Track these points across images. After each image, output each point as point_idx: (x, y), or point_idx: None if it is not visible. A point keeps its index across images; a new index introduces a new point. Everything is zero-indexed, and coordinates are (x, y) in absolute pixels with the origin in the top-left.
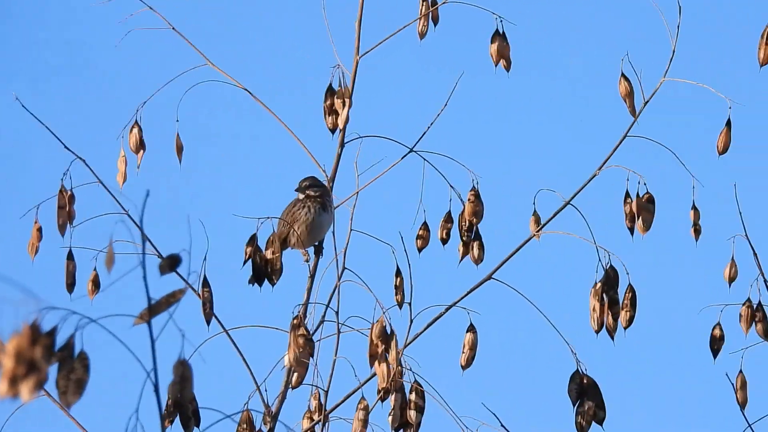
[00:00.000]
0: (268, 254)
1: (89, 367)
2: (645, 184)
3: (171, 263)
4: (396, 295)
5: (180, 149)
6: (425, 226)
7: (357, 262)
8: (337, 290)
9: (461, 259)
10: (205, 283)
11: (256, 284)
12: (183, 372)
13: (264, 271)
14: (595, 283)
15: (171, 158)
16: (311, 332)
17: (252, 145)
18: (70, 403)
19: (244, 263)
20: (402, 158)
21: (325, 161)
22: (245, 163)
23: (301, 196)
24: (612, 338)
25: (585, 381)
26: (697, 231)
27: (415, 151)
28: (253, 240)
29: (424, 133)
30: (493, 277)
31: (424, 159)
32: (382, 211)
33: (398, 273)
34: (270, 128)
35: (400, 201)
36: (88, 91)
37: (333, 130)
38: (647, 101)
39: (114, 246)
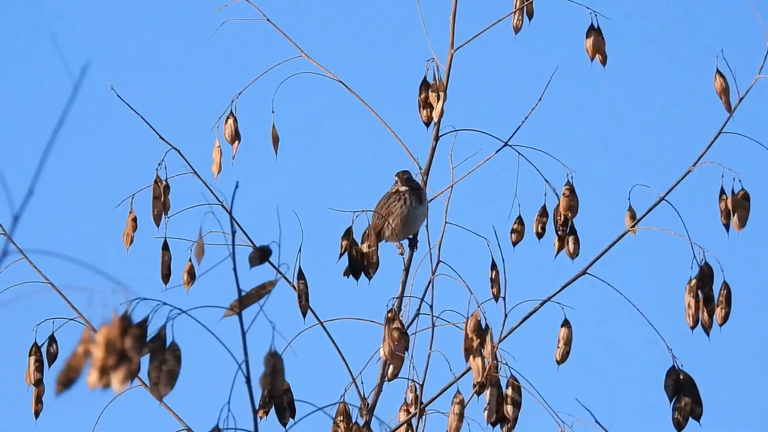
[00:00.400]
0: (364, 247)
1: (180, 358)
2: (740, 180)
3: (261, 255)
4: (492, 288)
5: (276, 140)
6: (520, 220)
7: (451, 256)
8: (431, 283)
9: (557, 254)
10: (301, 275)
11: (351, 277)
12: (274, 364)
13: (360, 265)
14: (690, 280)
15: (265, 149)
16: (406, 325)
17: (346, 137)
18: (162, 394)
19: (340, 256)
20: (497, 152)
21: (419, 154)
22: (339, 156)
23: (403, 188)
24: (707, 335)
25: (681, 377)
26: None
27: (509, 145)
28: (348, 233)
29: (519, 126)
30: (587, 272)
31: (519, 153)
32: (476, 205)
33: (493, 266)
34: (364, 121)
35: (494, 194)
36: (184, 82)
37: (427, 124)
38: (742, 97)
39: (206, 237)
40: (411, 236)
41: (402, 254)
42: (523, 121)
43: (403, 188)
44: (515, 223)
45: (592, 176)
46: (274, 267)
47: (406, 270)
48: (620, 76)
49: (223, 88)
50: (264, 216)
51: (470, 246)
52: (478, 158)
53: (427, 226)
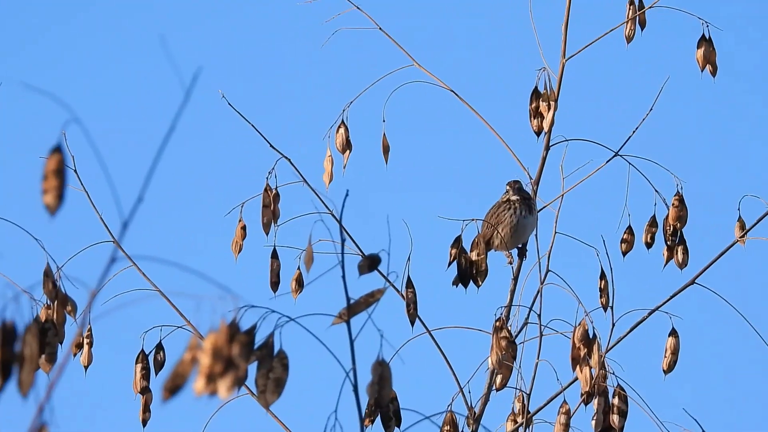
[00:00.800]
0: (473, 256)
1: (288, 366)
2: None
3: (371, 263)
4: (600, 297)
5: (386, 149)
6: (630, 230)
7: (560, 265)
8: (540, 293)
9: (666, 264)
10: (409, 284)
11: (460, 285)
12: (382, 372)
13: (469, 273)
14: None
15: (376, 158)
16: (514, 335)
17: (456, 146)
18: (269, 402)
19: (449, 264)
20: (607, 162)
21: (529, 164)
22: (449, 165)
23: (514, 197)
24: None
25: None
26: None
27: (620, 155)
28: (458, 241)
29: (630, 137)
30: (696, 281)
31: (629, 163)
32: (586, 214)
33: (602, 276)
34: (475, 130)
35: (604, 204)
36: (295, 90)
37: (538, 133)
38: None
39: (315, 245)
40: (520, 245)
41: (511, 263)
42: (633, 132)
43: (513, 197)
44: (625, 233)
45: (702, 186)
46: (383, 275)
47: (515, 279)
48: (731, 85)
49: (335, 97)
50: (373, 224)
51: (579, 256)
52: (589, 168)
53: (536, 235)
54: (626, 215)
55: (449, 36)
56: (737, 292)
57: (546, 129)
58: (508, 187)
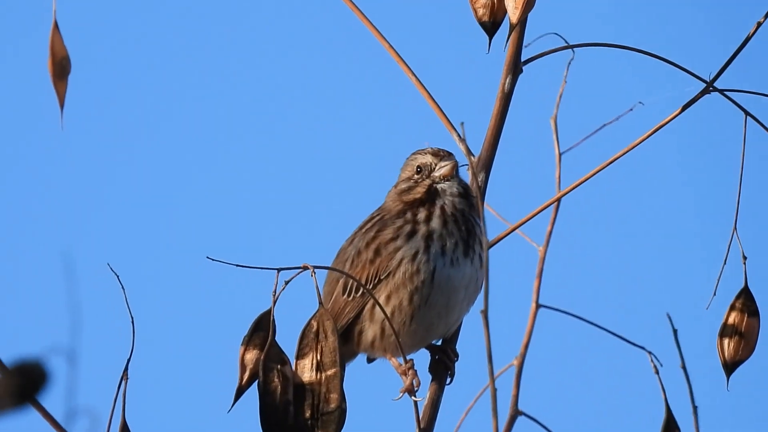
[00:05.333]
0: (305, 372)
1: None
2: None
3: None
4: None
5: None
6: None
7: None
8: None
9: None
10: None
11: None
12: None
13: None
14: None
15: None
16: None
17: None
18: None
19: (235, 398)
20: (699, 97)
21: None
22: None
23: (452, 191)
24: None
25: None
26: None
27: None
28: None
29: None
30: None
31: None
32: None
33: None
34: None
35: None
36: None
37: (492, 29)
38: None
39: None
40: (438, 342)
41: (413, 395)
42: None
43: (451, 192)
44: None
45: None
46: None
47: None
48: None
49: None
50: None
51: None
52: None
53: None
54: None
55: None
56: None
57: (516, 15)
58: (426, 161)
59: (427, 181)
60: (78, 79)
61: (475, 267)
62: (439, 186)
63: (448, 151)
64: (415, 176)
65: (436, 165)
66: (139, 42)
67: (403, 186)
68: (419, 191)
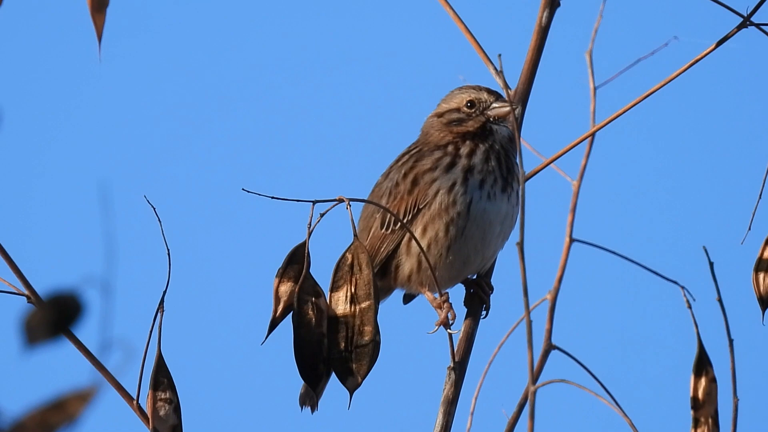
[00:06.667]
0: (340, 304)
1: None
2: None
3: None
4: None
5: None
6: None
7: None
8: None
9: None
10: None
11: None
12: None
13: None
14: None
15: None
16: None
17: None
18: None
19: (269, 329)
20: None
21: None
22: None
23: (500, 129)
24: None
25: None
26: None
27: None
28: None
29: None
30: None
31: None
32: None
33: None
34: None
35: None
36: None
37: None
38: None
39: None
40: (473, 276)
41: (448, 327)
42: None
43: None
44: None
45: None
46: None
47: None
48: None
49: None
50: None
51: None
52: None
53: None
54: None
55: None
56: None
57: None
58: (481, 97)
59: (482, 118)
60: (116, 13)
61: (512, 204)
62: (493, 126)
63: (492, 91)
64: (465, 109)
65: (491, 103)
66: None
67: (454, 116)
68: (472, 125)
